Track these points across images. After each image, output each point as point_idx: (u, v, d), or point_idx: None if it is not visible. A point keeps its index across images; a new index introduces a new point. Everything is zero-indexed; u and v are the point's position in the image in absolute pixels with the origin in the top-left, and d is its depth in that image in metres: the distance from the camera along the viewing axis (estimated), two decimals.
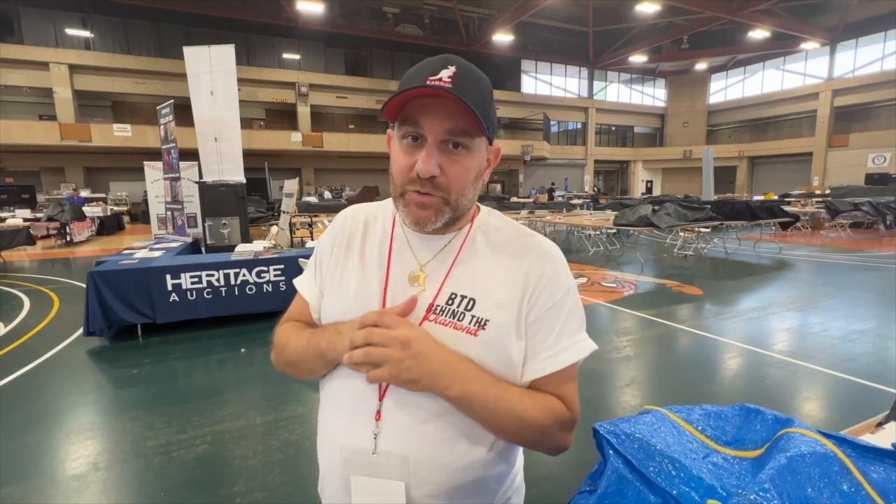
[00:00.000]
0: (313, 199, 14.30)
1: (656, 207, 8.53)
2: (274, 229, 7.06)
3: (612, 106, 28.64)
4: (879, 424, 1.02)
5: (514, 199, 18.40)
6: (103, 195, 17.49)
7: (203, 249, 5.99)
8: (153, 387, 3.26)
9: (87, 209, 12.44)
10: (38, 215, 11.49)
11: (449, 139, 0.65)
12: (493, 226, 0.77)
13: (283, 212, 5.67)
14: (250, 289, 4.54)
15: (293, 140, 19.46)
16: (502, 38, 20.81)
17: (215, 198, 5.82)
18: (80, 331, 4.20)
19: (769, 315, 4.91)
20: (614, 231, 9.60)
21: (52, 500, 2.08)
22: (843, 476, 0.62)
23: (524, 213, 12.00)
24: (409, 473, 0.66)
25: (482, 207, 0.80)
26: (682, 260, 8.46)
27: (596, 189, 27.92)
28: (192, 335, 4.28)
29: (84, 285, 4.15)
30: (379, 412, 0.68)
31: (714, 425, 0.79)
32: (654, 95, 30.39)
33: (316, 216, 10.59)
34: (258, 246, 5.19)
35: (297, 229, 9.78)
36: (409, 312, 0.68)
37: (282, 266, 4.62)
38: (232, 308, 4.50)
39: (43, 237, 10.93)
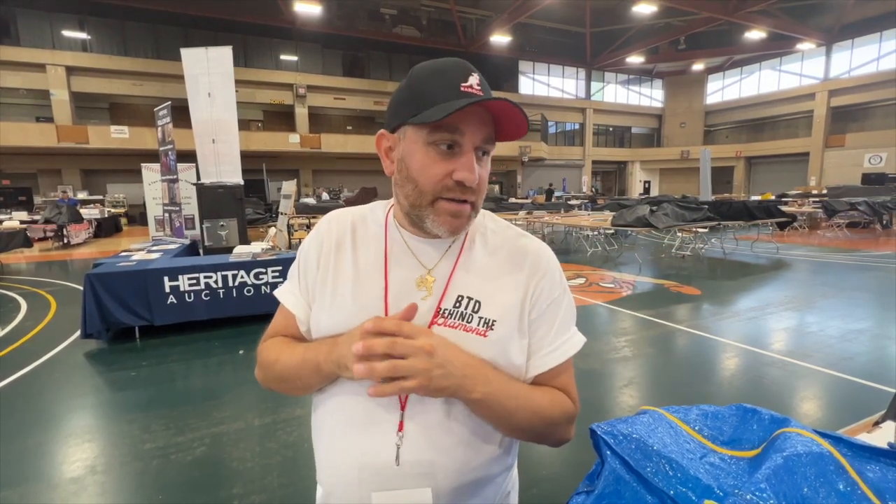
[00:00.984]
0: (311, 201, 14.30)
1: (654, 208, 8.55)
2: (272, 231, 7.06)
3: (610, 107, 28.70)
4: (876, 423, 1.03)
5: (513, 199, 18.43)
6: (101, 197, 17.42)
7: (201, 251, 5.96)
8: (151, 389, 3.25)
9: (84, 211, 12.40)
10: (35, 217, 11.46)
11: (481, 146, 0.66)
12: (489, 228, 0.78)
13: (281, 213, 5.67)
14: (248, 291, 4.54)
15: (291, 141, 19.44)
16: (500, 39, 20.85)
17: (213, 199, 5.80)
18: (78, 333, 4.18)
19: (767, 315, 4.92)
20: (612, 231, 9.61)
21: (50, 503, 2.08)
22: (839, 475, 0.62)
23: (522, 213, 12.00)
24: (436, 478, 0.66)
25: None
26: (680, 260, 8.47)
27: (594, 190, 27.95)
28: (189, 337, 4.27)
29: (81, 288, 4.14)
30: (402, 423, 0.67)
31: (711, 425, 0.79)
32: (651, 96, 30.45)
33: (314, 217, 10.58)
34: (256, 248, 5.18)
35: (295, 231, 9.80)
36: (410, 319, 0.65)
37: (280, 268, 4.62)
38: (230, 310, 4.49)
39: (40, 239, 10.90)
